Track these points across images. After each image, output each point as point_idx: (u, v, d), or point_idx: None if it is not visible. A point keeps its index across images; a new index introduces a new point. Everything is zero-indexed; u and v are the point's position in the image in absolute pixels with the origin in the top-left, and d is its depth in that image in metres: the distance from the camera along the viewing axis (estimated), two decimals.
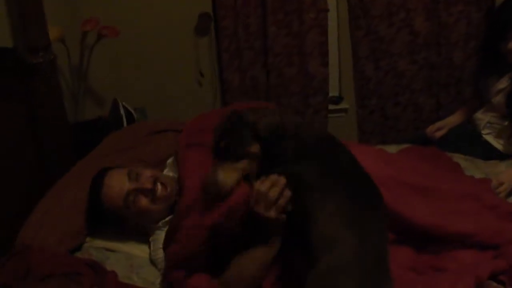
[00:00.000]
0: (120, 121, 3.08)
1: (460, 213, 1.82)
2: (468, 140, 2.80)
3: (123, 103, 3.17)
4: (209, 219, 1.71)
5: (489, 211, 1.86)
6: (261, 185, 1.60)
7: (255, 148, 1.66)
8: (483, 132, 2.79)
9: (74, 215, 2.17)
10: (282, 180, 1.60)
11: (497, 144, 2.75)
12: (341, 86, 3.57)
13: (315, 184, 1.60)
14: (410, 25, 3.23)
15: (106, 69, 3.41)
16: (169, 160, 2.30)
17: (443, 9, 3.19)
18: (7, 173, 2.30)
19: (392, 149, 2.58)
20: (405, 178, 1.92)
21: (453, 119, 2.99)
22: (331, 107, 3.55)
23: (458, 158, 2.55)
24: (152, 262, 2.06)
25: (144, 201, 1.98)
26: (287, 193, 1.62)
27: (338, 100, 3.59)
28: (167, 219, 2.03)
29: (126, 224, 2.09)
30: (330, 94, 3.53)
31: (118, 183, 2.00)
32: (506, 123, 2.67)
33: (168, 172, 2.24)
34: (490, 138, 2.78)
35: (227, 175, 1.65)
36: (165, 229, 2.00)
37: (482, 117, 2.80)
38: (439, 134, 2.95)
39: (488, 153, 2.69)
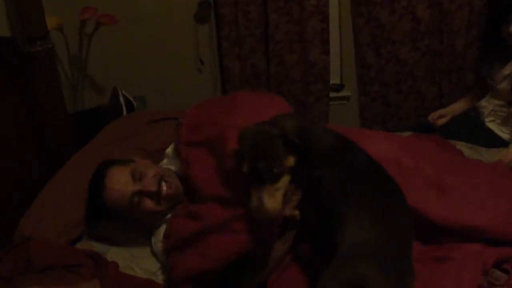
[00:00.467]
0: (120, 110, 3.07)
1: (476, 205, 1.78)
2: (471, 128, 2.78)
3: (123, 91, 3.15)
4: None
5: (506, 202, 1.81)
6: None
7: (290, 161, 1.62)
8: (486, 120, 2.78)
9: (74, 206, 2.16)
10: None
11: (500, 132, 2.74)
12: (343, 74, 3.56)
13: (339, 188, 1.61)
14: (412, 12, 3.20)
15: (105, 58, 3.38)
16: (168, 149, 2.28)
17: None
18: (7, 164, 2.29)
19: None
20: (421, 167, 1.90)
21: (456, 107, 2.97)
22: (332, 94, 3.53)
23: (460, 146, 2.53)
24: (153, 253, 2.06)
25: (149, 203, 1.96)
26: (299, 191, 1.66)
27: (339, 87, 3.57)
28: (169, 215, 2.02)
29: (129, 220, 2.07)
30: (331, 82, 3.51)
31: (121, 185, 1.95)
32: None
33: (167, 163, 2.23)
34: (493, 126, 2.76)
35: (273, 200, 1.59)
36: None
37: (486, 104, 2.79)
38: (441, 121, 2.93)
39: (491, 141, 2.68)
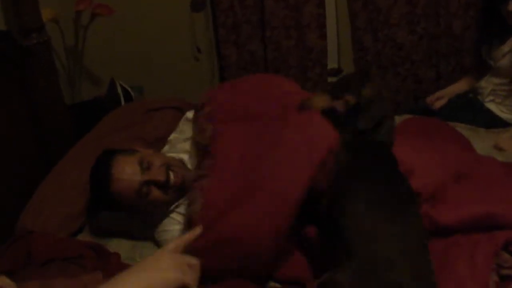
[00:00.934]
0: (118, 100, 3.07)
1: (487, 192, 1.78)
2: (470, 110, 2.78)
3: (120, 82, 3.15)
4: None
5: None
6: None
7: (367, 91, 1.75)
8: (486, 100, 2.77)
9: (74, 197, 2.17)
10: None
11: (500, 112, 2.73)
12: (340, 58, 3.54)
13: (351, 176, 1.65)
14: None
15: (102, 48, 3.37)
16: (171, 137, 2.29)
17: None
18: (6, 158, 2.29)
19: None
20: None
21: (454, 88, 2.96)
22: (330, 79, 3.52)
23: (460, 127, 2.53)
24: (156, 242, 2.06)
25: (157, 193, 1.94)
26: None
27: (337, 72, 3.56)
28: (176, 204, 2.03)
29: (133, 210, 2.05)
30: (329, 67, 3.50)
31: (129, 175, 1.92)
32: None
33: (169, 149, 2.23)
34: (492, 106, 2.76)
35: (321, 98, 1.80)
36: (172, 214, 2.00)
37: (485, 85, 2.78)
38: (439, 103, 2.93)
39: (491, 122, 2.68)
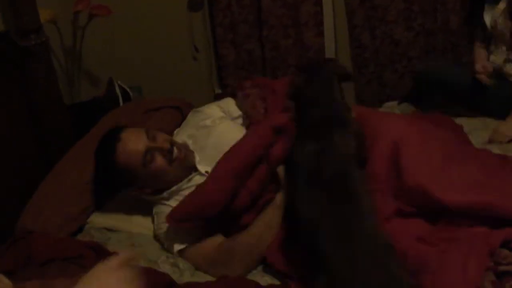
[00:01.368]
0: (116, 101, 3.08)
1: (485, 183, 1.78)
2: (503, 95, 2.62)
3: (119, 82, 3.16)
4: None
5: None
6: None
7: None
8: (506, 70, 2.65)
9: (74, 197, 2.18)
10: None
11: None
12: (338, 56, 3.54)
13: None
14: None
15: (100, 49, 3.37)
16: (175, 131, 2.32)
17: None
18: (6, 158, 2.30)
19: None
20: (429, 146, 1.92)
21: (483, 56, 2.75)
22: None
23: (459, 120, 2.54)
24: (156, 238, 2.07)
25: (161, 161, 1.99)
26: None
27: None
28: (179, 184, 2.05)
29: (135, 187, 2.08)
30: None
31: (137, 140, 1.99)
32: None
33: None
34: None
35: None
36: (169, 202, 2.01)
37: (495, 58, 2.67)
38: (485, 78, 2.68)
39: None
